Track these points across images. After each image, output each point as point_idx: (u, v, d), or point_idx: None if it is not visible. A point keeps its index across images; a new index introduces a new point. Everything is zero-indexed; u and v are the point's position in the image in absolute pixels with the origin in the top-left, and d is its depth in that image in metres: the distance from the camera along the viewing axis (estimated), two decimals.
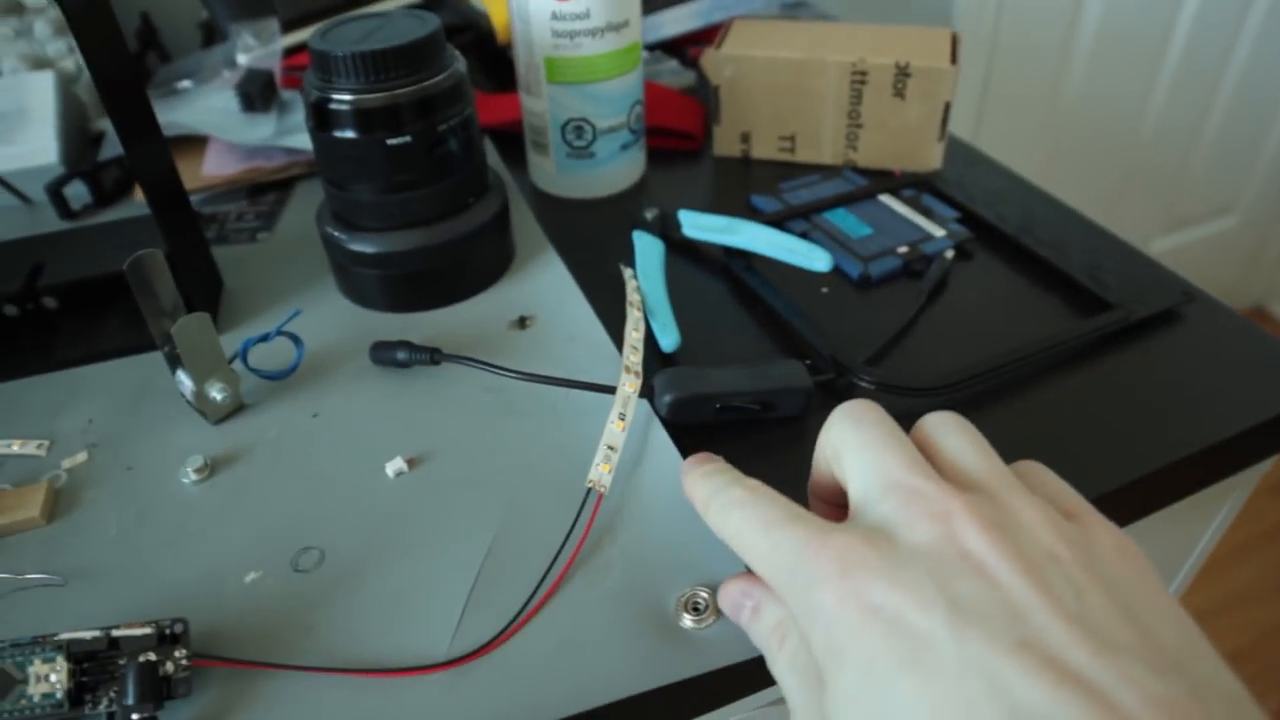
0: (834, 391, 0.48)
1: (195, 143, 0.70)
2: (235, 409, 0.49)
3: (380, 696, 0.36)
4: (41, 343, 0.55)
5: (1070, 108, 1.52)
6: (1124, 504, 0.45)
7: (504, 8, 0.74)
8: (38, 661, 0.35)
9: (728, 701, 0.39)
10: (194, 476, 0.46)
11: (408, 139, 0.50)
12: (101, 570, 0.42)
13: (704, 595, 0.38)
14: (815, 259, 0.53)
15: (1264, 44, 1.59)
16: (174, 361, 0.48)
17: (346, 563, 0.41)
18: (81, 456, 0.48)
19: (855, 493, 0.32)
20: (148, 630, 0.36)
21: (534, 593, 0.39)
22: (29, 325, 0.56)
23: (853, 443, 0.33)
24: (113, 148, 0.69)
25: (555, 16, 0.57)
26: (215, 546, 0.43)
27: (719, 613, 0.38)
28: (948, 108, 0.61)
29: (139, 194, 0.68)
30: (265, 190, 0.68)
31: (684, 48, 0.83)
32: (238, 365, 0.49)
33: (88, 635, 0.35)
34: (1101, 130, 1.57)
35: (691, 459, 0.39)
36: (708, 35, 0.82)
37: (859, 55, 0.61)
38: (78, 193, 0.67)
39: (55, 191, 0.65)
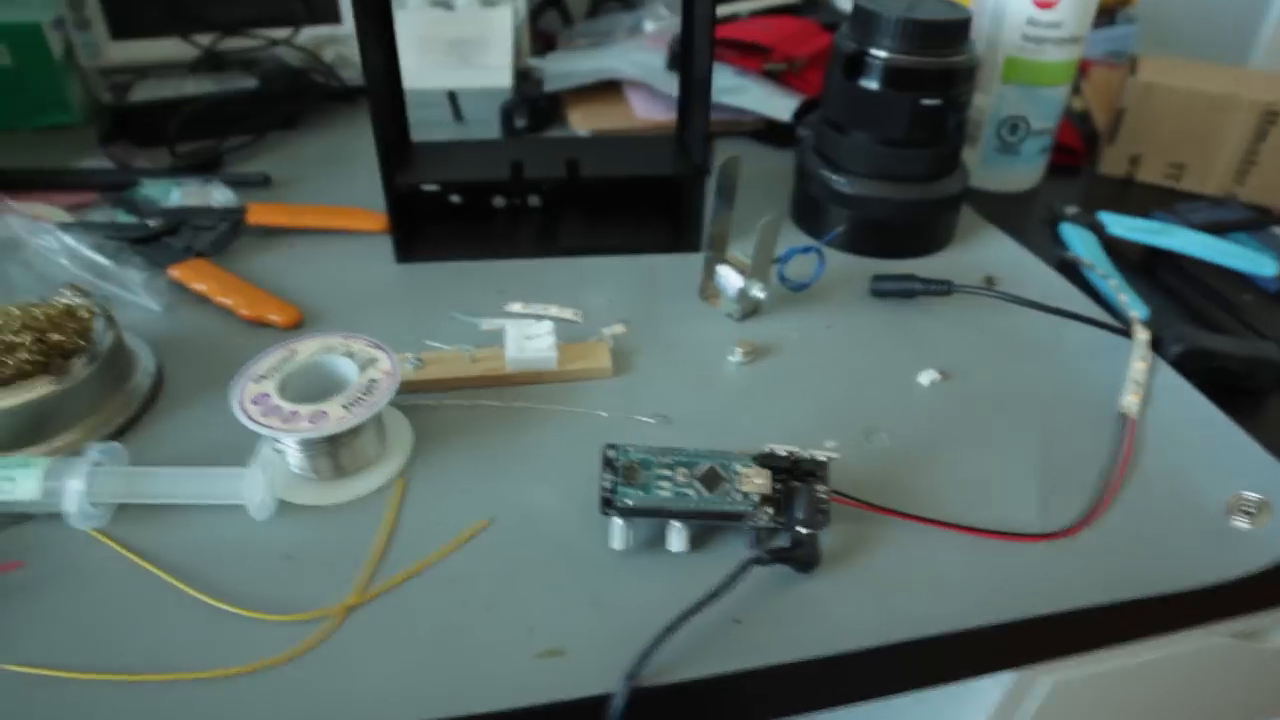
0: None
1: (611, 90, 0.77)
2: (758, 310, 0.55)
3: (987, 553, 0.41)
4: (522, 235, 0.61)
5: None
6: None
7: None
8: (739, 466, 0.40)
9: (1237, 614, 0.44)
10: (741, 358, 0.51)
11: (938, 102, 0.56)
12: (683, 420, 0.48)
13: (1252, 498, 0.43)
14: (1261, 263, 0.58)
15: None
16: (716, 260, 0.54)
17: (911, 447, 0.47)
18: (620, 328, 0.54)
19: None
20: (830, 455, 0.41)
21: (1100, 494, 0.44)
22: (512, 219, 0.63)
23: None
24: (552, 83, 0.76)
25: (1030, 22, 0.63)
26: (779, 417, 0.48)
27: (1270, 514, 0.43)
28: None
29: (576, 123, 0.75)
30: None
31: None
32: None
33: (782, 451, 0.41)
34: None
35: None
36: None
37: (1275, 96, 0.67)
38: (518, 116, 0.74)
39: (508, 112, 0.72)
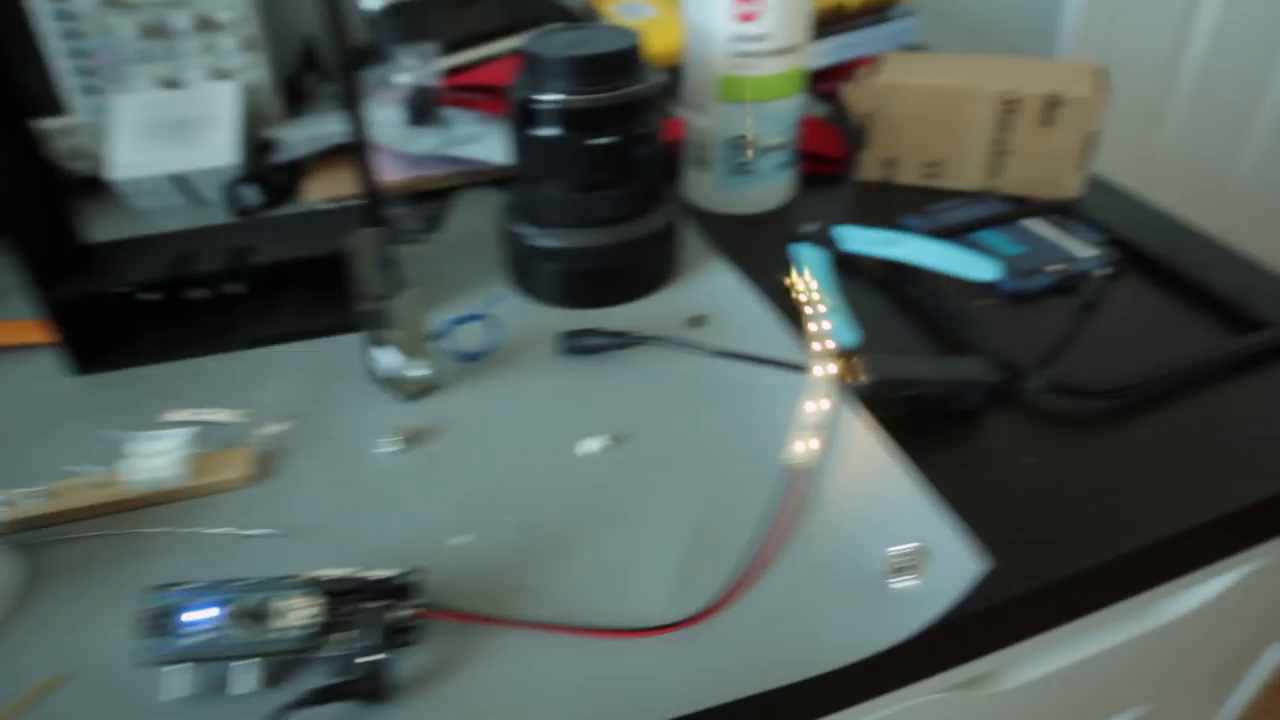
0: (1007, 393, 0.50)
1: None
2: (427, 389, 0.51)
3: (605, 655, 0.37)
4: (224, 325, 0.57)
5: (1163, 160, 1.50)
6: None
7: (664, 33, 0.76)
8: (296, 596, 0.36)
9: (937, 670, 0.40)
10: (393, 448, 0.48)
11: (610, 139, 0.52)
12: (312, 528, 0.44)
13: (908, 550, 0.40)
14: (983, 269, 0.54)
15: None
16: (374, 339, 0.51)
17: (553, 532, 0.43)
18: (282, 426, 0.50)
19: None
20: (392, 573, 0.37)
21: (747, 564, 0.40)
22: (212, 310, 0.59)
23: None
24: (283, 153, 0.72)
25: (735, 38, 0.60)
26: (420, 511, 0.44)
27: (926, 569, 0.39)
28: (1091, 137, 0.63)
29: (308, 194, 0.71)
30: (425, 197, 0.71)
31: (814, 83, 0.85)
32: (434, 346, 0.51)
33: (337, 573, 0.37)
34: (1193, 183, 1.54)
35: None
36: (835, 73, 0.84)
37: (1010, 85, 0.63)
38: (247, 193, 0.70)
39: (232, 190, 0.69)
